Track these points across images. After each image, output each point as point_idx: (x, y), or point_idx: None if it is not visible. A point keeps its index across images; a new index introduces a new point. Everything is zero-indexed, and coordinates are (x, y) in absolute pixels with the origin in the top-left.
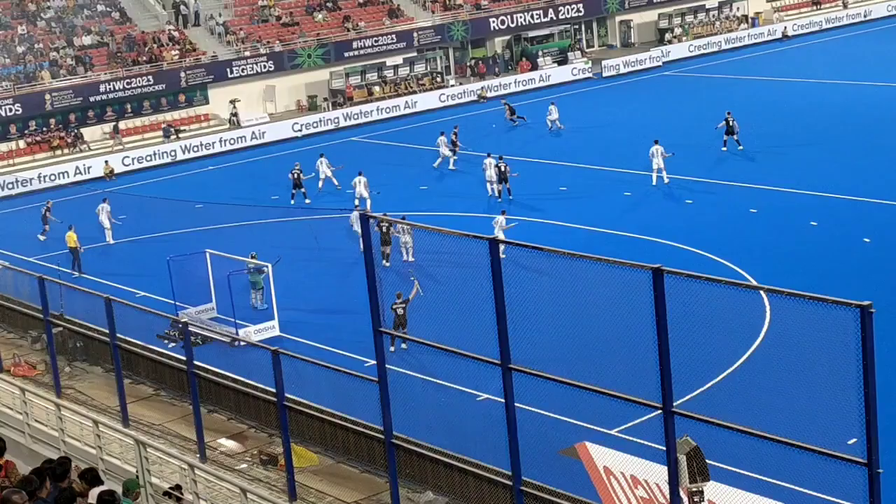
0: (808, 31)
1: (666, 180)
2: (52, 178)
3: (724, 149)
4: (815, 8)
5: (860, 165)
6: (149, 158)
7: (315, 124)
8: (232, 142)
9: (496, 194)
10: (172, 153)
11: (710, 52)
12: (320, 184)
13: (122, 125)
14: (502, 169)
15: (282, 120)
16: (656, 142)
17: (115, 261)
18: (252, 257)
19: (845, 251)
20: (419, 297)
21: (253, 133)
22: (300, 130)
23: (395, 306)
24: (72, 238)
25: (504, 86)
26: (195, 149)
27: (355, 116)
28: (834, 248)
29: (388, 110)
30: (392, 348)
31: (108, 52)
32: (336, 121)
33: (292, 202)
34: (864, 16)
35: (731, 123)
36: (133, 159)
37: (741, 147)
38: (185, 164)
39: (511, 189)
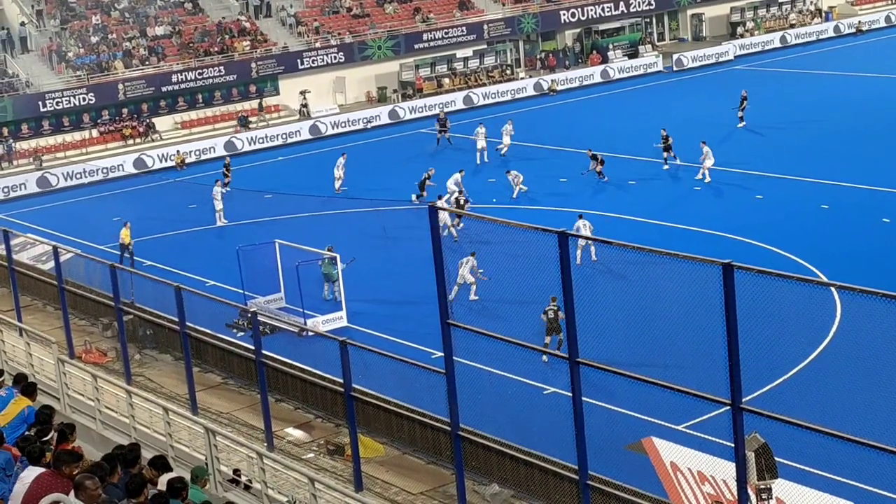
0: (883, 25)
1: (708, 178)
2: (123, 166)
3: (742, 124)
4: (890, 2)
5: None
6: (209, 151)
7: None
8: (301, 132)
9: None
10: (242, 142)
11: (783, 46)
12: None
13: (192, 115)
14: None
15: (351, 111)
16: (704, 143)
17: (186, 249)
18: (329, 250)
19: None
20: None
21: (323, 123)
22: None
23: (547, 309)
24: (126, 234)
25: (571, 80)
26: (264, 139)
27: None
28: None
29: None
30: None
31: (180, 43)
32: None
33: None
34: None
35: (743, 101)
36: (203, 150)
37: (743, 123)
38: (254, 155)
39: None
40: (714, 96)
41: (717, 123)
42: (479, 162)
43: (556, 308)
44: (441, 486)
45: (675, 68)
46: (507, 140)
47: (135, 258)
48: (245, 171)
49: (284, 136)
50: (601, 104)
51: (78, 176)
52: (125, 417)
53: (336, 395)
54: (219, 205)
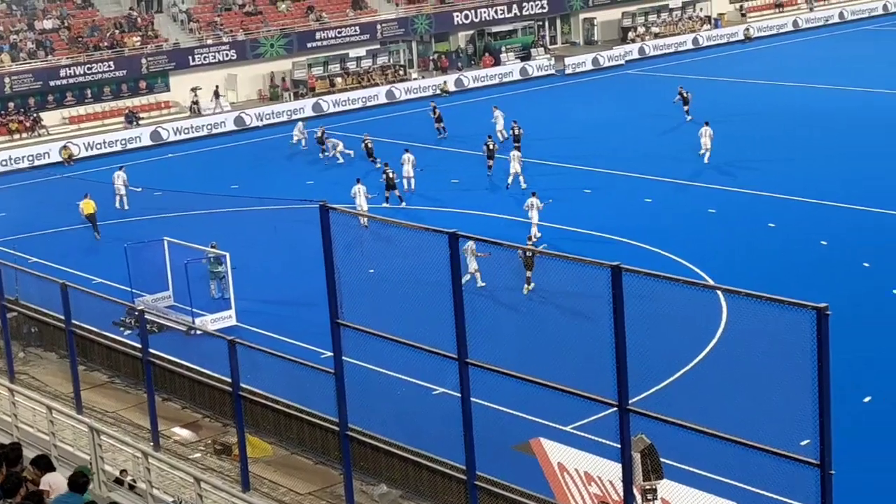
0: (771, 33)
1: (707, 160)
2: (9, 161)
3: (689, 118)
4: (778, 10)
5: (818, 168)
6: (108, 144)
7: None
8: (192, 129)
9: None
10: (132, 140)
11: (673, 51)
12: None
13: (80, 110)
14: (490, 147)
15: (243, 109)
16: (707, 123)
17: (72, 246)
18: (212, 247)
19: (802, 253)
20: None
21: (213, 121)
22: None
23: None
24: (89, 205)
25: (464, 81)
26: (155, 136)
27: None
28: (791, 250)
29: (345, 103)
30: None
31: (69, 37)
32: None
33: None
34: (827, 20)
35: (685, 95)
36: (91, 145)
37: (689, 118)
38: (144, 151)
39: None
40: (605, 100)
41: (608, 126)
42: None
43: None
44: (329, 487)
45: (566, 72)
46: (408, 168)
47: (19, 254)
48: (134, 167)
49: (175, 133)
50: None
51: None
52: (7, 416)
53: (224, 395)
54: (122, 189)
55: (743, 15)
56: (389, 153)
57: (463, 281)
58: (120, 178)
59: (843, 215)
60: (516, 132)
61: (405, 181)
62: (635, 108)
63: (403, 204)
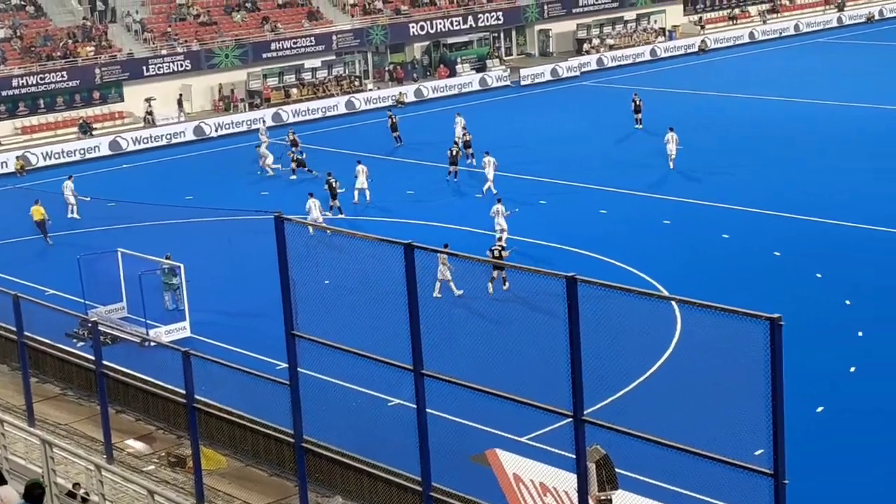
0: (725, 45)
1: (671, 166)
2: None
3: (639, 126)
4: (732, 23)
5: (772, 179)
6: (60, 155)
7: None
8: (146, 140)
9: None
10: (84, 150)
11: (628, 63)
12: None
13: (34, 121)
14: (453, 153)
15: (197, 119)
16: (671, 129)
17: (24, 257)
18: (167, 258)
19: (756, 264)
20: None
21: (168, 132)
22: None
23: (493, 248)
24: (38, 211)
25: (424, 91)
26: (113, 145)
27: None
28: (745, 261)
29: (304, 112)
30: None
31: (21, 47)
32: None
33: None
34: (782, 32)
35: (637, 103)
36: (44, 155)
37: (640, 126)
38: (97, 162)
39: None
40: (560, 111)
41: (563, 137)
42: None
43: (501, 247)
44: (284, 499)
45: (522, 83)
46: (362, 179)
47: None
48: (88, 177)
49: (129, 143)
50: (449, 117)
51: None
52: None
53: (178, 407)
54: (71, 199)
55: (702, 27)
56: (346, 164)
57: (435, 294)
58: (68, 187)
59: (796, 226)
60: (465, 138)
61: (356, 192)
62: (591, 120)
63: (342, 215)
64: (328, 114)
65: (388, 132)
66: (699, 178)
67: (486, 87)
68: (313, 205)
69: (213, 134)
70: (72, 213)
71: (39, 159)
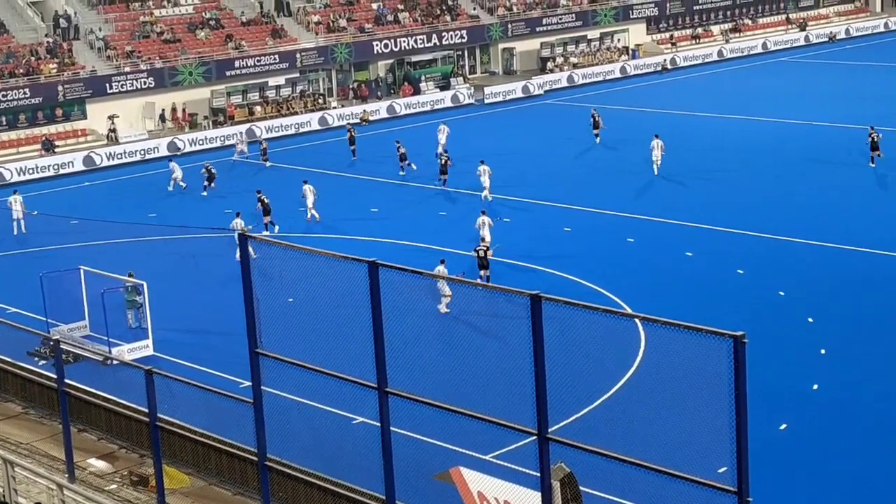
0: (688, 64)
1: (656, 172)
2: None
3: (598, 140)
4: (694, 42)
5: (735, 197)
6: (23, 172)
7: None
8: (109, 157)
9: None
10: (47, 168)
11: (591, 81)
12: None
13: None
14: (443, 162)
15: (160, 137)
16: (657, 136)
17: None
18: (129, 276)
19: (719, 282)
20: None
21: (131, 149)
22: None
23: (478, 248)
24: None
25: (382, 110)
26: (71, 164)
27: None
28: (708, 279)
29: (278, 129)
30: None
31: None
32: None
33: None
34: (743, 51)
35: (596, 119)
36: (7, 173)
37: (598, 141)
38: (60, 180)
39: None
40: (524, 129)
41: (527, 155)
42: None
43: (485, 248)
44: None
45: (485, 101)
46: (311, 198)
47: None
48: (50, 195)
49: (91, 161)
50: (413, 134)
51: None
52: None
53: (141, 425)
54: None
55: (673, 44)
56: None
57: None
58: (17, 201)
59: (759, 244)
60: (444, 160)
61: (309, 211)
62: (555, 138)
63: (277, 229)
64: (300, 130)
65: (349, 147)
66: (661, 197)
67: (458, 103)
68: (237, 224)
69: (190, 149)
70: (18, 228)
71: (13, 175)
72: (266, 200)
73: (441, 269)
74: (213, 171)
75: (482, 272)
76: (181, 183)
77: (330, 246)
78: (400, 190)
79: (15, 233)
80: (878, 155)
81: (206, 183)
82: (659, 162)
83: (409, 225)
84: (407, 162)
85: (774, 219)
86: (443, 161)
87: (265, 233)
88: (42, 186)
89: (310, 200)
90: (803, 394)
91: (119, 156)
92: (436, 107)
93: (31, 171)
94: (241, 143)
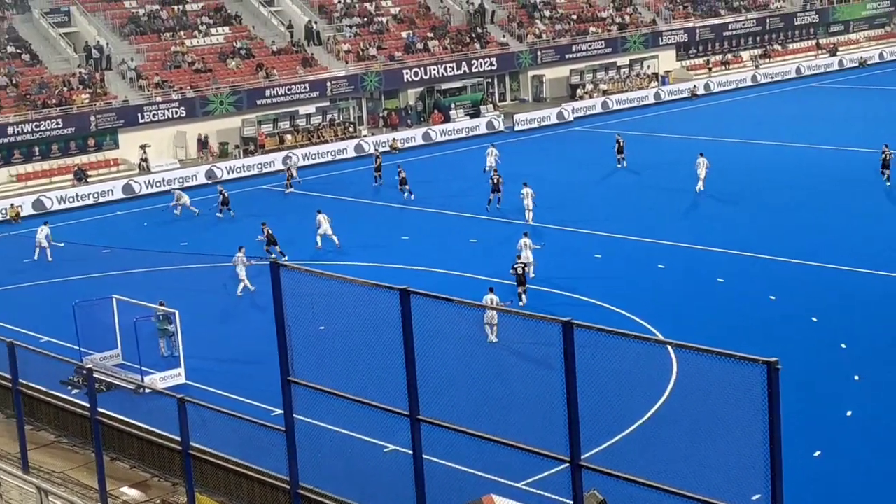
0: (718, 90)
1: (702, 187)
2: None
3: (621, 165)
4: (725, 68)
5: (765, 223)
6: (63, 201)
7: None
8: (148, 185)
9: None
10: (87, 196)
11: (621, 108)
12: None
13: (28, 168)
14: (495, 181)
15: (192, 166)
16: (701, 154)
17: (19, 305)
18: (160, 304)
19: (751, 308)
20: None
21: (163, 178)
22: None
23: (516, 265)
24: None
25: (417, 137)
26: (111, 192)
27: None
28: (740, 305)
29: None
30: (522, 301)
31: (16, 94)
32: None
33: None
34: (773, 77)
35: (621, 144)
36: (48, 201)
37: (624, 165)
38: (92, 209)
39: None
40: (553, 156)
41: (557, 182)
42: None
43: (523, 265)
44: None
45: (515, 128)
46: (324, 226)
47: None
48: (83, 224)
49: (123, 190)
50: (443, 162)
51: None
52: None
53: (173, 454)
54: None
55: (710, 69)
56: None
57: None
58: (43, 231)
59: (791, 270)
60: (495, 180)
61: (319, 238)
62: (584, 165)
63: (286, 258)
64: (336, 158)
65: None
66: (694, 222)
67: (494, 130)
68: (239, 259)
69: (228, 176)
70: (41, 256)
71: (53, 203)
72: (270, 231)
73: (491, 299)
74: (225, 194)
75: (519, 288)
76: (192, 209)
77: (360, 273)
78: (429, 217)
79: (36, 258)
80: (886, 174)
81: (220, 206)
82: (703, 177)
83: (440, 252)
84: (407, 187)
85: (806, 244)
86: (495, 180)
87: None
88: (80, 215)
89: (322, 228)
90: (837, 420)
91: (157, 184)
92: (471, 133)
93: (70, 200)
94: (292, 168)
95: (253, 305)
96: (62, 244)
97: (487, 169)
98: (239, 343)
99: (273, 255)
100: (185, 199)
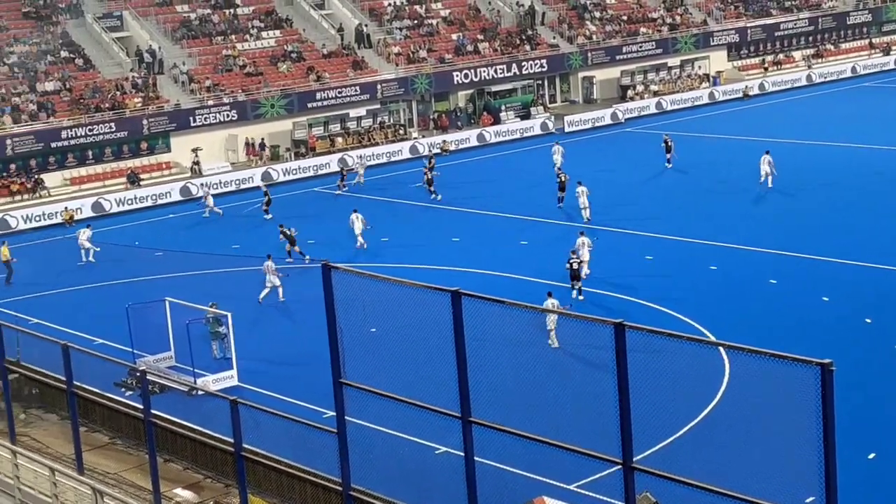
0: (770, 90)
1: (770, 185)
2: (12, 222)
3: (669, 165)
4: (777, 68)
5: (818, 224)
6: (138, 200)
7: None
8: (220, 185)
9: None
10: (145, 198)
11: (672, 109)
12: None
13: (82, 171)
14: (562, 180)
15: (243, 169)
16: (767, 152)
17: (73, 307)
18: (212, 307)
19: (804, 309)
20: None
21: (220, 181)
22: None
23: (571, 260)
24: (4, 253)
25: (472, 138)
26: (168, 195)
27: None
28: (793, 306)
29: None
30: (580, 297)
31: (70, 99)
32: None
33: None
34: (828, 76)
35: (669, 144)
36: (107, 203)
37: (670, 165)
38: (145, 212)
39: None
40: (603, 157)
41: (607, 184)
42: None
43: (578, 261)
44: None
45: (566, 129)
46: (358, 226)
47: (20, 315)
48: (135, 227)
49: (175, 193)
50: (494, 164)
51: None
52: (9, 478)
53: (226, 455)
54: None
55: (765, 69)
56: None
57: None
58: (85, 234)
59: (845, 271)
60: (562, 178)
61: (360, 237)
62: (635, 166)
63: (307, 259)
64: (391, 160)
65: (435, 179)
66: (746, 223)
67: (547, 131)
68: (268, 268)
69: (284, 178)
70: (86, 256)
71: (112, 205)
72: (287, 232)
73: (551, 303)
74: (269, 195)
75: (574, 284)
76: (217, 210)
77: (410, 275)
78: (478, 218)
79: (86, 260)
80: None
81: (264, 207)
82: (770, 176)
83: (490, 253)
84: (433, 188)
85: (860, 245)
86: (562, 178)
87: (289, 260)
88: (133, 218)
89: (357, 228)
90: (892, 422)
91: (214, 186)
92: (525, 135)
93: (129, 202)
94: (360, 167)
95: (301, 306)
96: (98, 248)
97: (557, 168)
98: (290, 345)
99: (291, 258)
100: (211, 201)
